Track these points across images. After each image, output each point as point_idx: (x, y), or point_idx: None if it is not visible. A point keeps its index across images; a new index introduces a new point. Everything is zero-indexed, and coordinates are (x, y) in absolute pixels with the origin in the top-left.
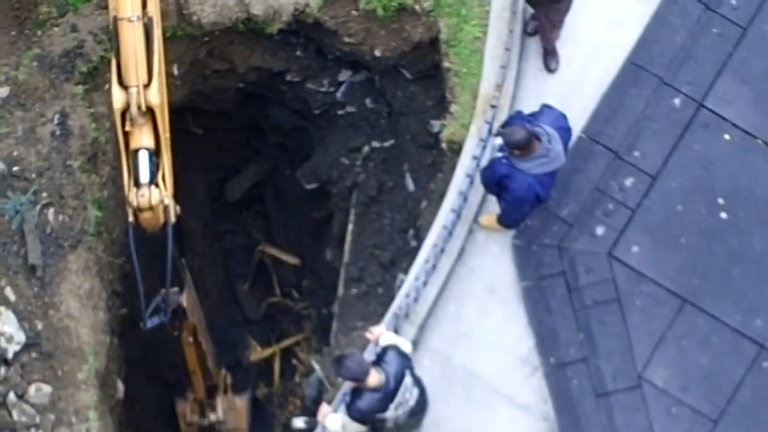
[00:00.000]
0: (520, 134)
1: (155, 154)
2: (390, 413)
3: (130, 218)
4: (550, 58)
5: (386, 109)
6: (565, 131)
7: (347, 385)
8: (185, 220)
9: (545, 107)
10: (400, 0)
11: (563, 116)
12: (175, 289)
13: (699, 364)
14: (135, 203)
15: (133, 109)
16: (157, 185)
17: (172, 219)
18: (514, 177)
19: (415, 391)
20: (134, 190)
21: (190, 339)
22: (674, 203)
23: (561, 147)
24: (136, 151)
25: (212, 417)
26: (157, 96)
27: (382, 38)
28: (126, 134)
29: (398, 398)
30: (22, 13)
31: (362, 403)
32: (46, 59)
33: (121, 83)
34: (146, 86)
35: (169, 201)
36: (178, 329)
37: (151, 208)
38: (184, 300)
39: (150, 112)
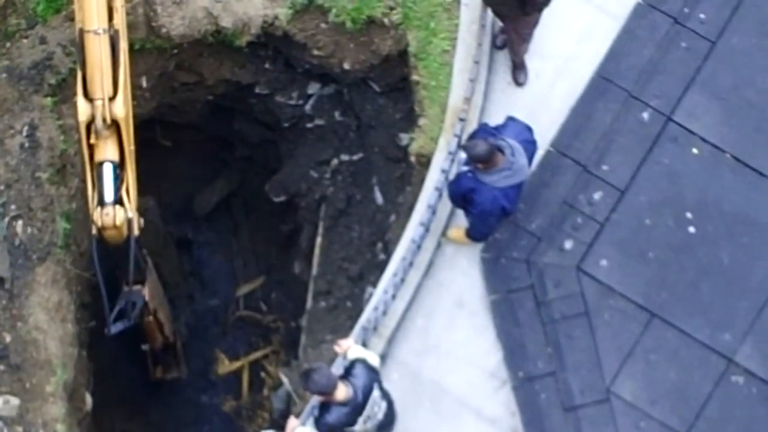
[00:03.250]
0: (482, 148)
1: (120, 167)
2: (358, 427)
3: (94, 231)
4: (518, 71)
5: (355, 122)
6: (529, 144)
7: (315, 399)
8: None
9: (510, 120)
10: (368, 13)
11: (528, 129)
12: (138, 287)
13: (667, 378)
14: (99, 222)
15: (98, 122)
16: (122, 204)
17: (135, 232)
18: (479, 190)
19: (384, 405)
20: (98, 209)
21: (150, 318)
22: (643, 217)
23: (525, 160)
24: (101, 163)
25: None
26: (122, 109)
27: (351, 51)
28: (91, 147)
29: (366, 412)
30: None
31: (330, 416)
32: (14, 71)
33: (87, 95)
34: (112, 99)
35: (132, 214)
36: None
37: (115, 227)
38: (146, 294)
39: (115, 125)
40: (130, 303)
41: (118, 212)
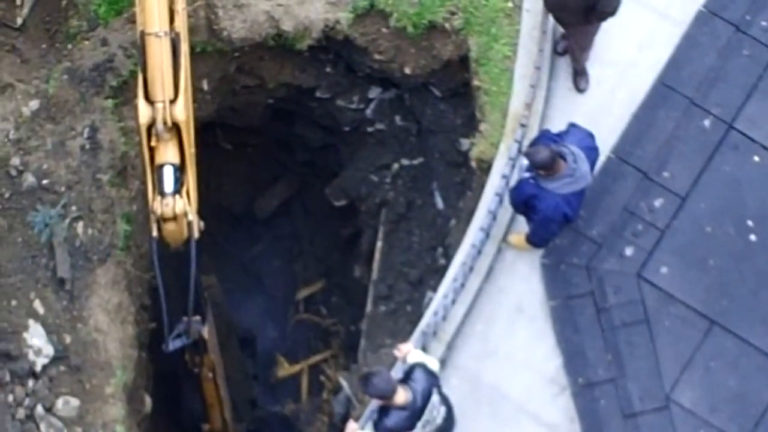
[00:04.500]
0: (544, 154)
1: (180, 170)
2: (417, 431)
3: (154, 232)
4: (579, 78)
5: (415, 127)
6: (591, 150)
7: (375, 403)
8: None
9: (572, 126)
10: (430, 18)
11: (590, 135)
12: (197, 317)
13: (727, 386)
14: (159, 212)
15: (159, 125)
16: (181, 195)
17: (196, 234)
18: (541, 197)
19: (443, 410)
20: (158, 199)
21: (210, 374)
22: (703, 224)
23: (587, 167)
24: (161, 166)
25: None
26: (183, 112)
27: (411, 56)
28: (151, 149)
29: (425, 416)
30: (52, 27)
31: (389, 421)
32: (76, 73)
33: (148, 98)
34: (172, 102)
35: (192, 216)
36: (198, 365)
37: (174, 218)
38: (205, 332)
39: (175, 128)
40: (187, 326)
41: (177, 202)
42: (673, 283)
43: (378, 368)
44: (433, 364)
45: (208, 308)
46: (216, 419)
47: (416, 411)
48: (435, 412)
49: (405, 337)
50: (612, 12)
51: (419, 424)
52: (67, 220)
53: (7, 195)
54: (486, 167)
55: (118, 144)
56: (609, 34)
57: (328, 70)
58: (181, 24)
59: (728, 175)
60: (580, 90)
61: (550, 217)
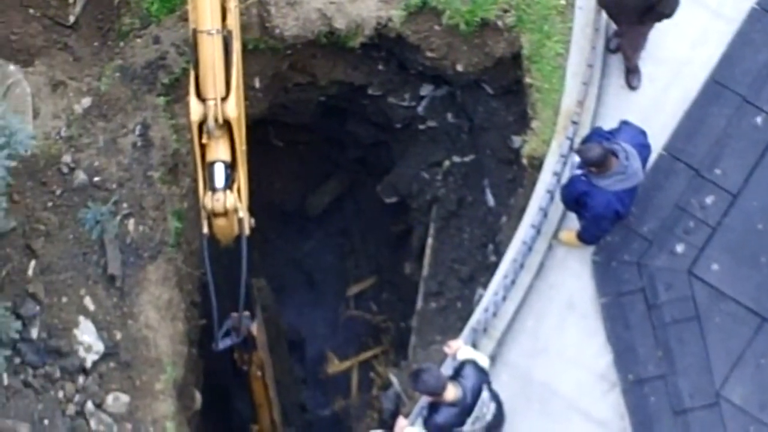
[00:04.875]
0: (596, 152)
1: (231, 167)
2: (467, 428)
3: (204, 229)
4: (632, 75)
5: (467, 124)
6: (643, 148)
7: (424, 399)
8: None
9: (624, 124)
10: (482, 15)
11: (642, 133)
12: (247, 313)
13: None
14: (210, 206)
15: (210, 122)
16: (231, 191)
17: (246, 231)
18: (593, 194)
19: (493, 406)
20: (209, 194)
21: (258, 373)
22: (755, 222)
23: (639, 164)
24: (212, 163)
25: None
26: (234, 109)
27: (464, 53)
28: (203, 146)
29: (475, 413)
30: (105, 24)
31: (439, 417)
32: (128, 70)
33: (199, 95)
34: (224, 99)
35: (243, 213)
36: (247, 363)
37: (225, 213)
38: (254, 329)
39: (227, 125)
40: (237, 322)
41: (228, 197)
42: (724, 280)
43: (428, 365)
44: (483, 361)
45: (258, 307)
46: (264, 420)
47: (466, 408)
48: (485, 408)
49: (455, 333)
50: (669, 14)
51: (469, 421)
52: (118, 217)
53: (58, 192)
54: (537, 164)
55: (170, 141)
56: (662, 32)
57: (380, 67)
58: (234, 22)
59: None
60: (632, 87)
61: (602, 214)
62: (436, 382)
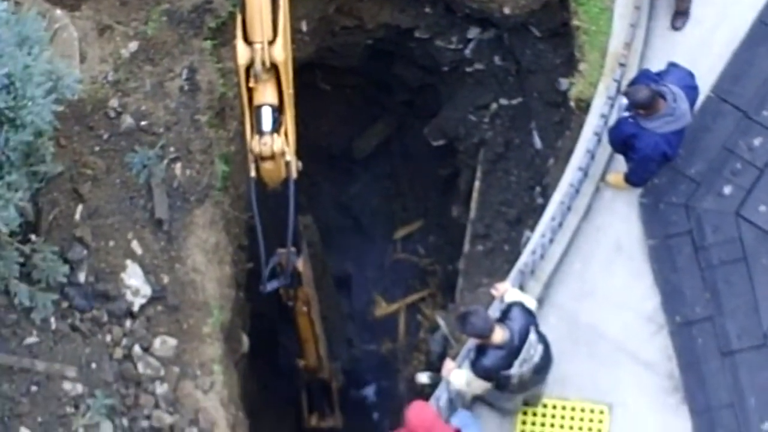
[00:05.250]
0: (644, 93)
1: (278, 111)
2: (514, 370)
3: (252, 173)
4: (679, 17)
5: (515, 67)
6: (691, 90)
7: (472, 342)
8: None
9: (671, 66)
10: None
11: (690, 75)
12: (293, 249)
13: None
14: (257, 150)
15: (258, 66)
16: (279, 135)
17: (294, 175)
18: (641, 136)
19: (540, 348)
20: (256, 138)
21: (304, 309)
22: None
23: (687, 106)
24: (260, 107)
25: (330, 422)
26: (281, 53)
27: None
28: (250, 90)
29: (523, 355)
30: None
31: (487, 360)
32: (175, 14)
33: (246, 39)
34: (271, 42)
35: (291, 157)
36: (293, 298)
37: (273, 157)
38: (300, 264)
39: (274, 69)
40: (287, 256)
41: (275, 140)
42: None
43: (475, 307)
44: (531, 303)
45: (304, 243)
46: (311, 355)
47: (513, 350)
48: (532, 350)
49: (502, 276)
50: None
51: (516, 363)
52: (165, 161)
53: (105, 137)
54: (585, 107)
55: (217, 85)
56: None
57: (427, 10)
58: None
59: None
60: (675, 28)
61: (650, 156)
62: (484, 324)
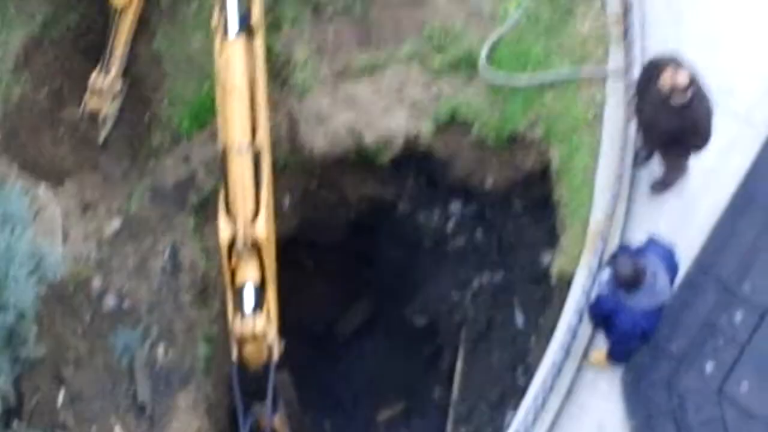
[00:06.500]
0: (629, 268)
1: (261, 288)
2: None
3: (234, 355)
4: (659, 185)
5: (496, 242)
6: (671, 266)
7: None
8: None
9: (651, 242)
10: (511, 128)
11: (670, 251)
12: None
13: None
14: (239, 331)
15: (239, 243)
16: (261, 311)
17: (275, 357)
18: (619, 313)
19: None
20: (238, 317)
21: None
22: None
23: (667, 282)
24: (242, 287)
25: None
26: (263, 229)
27: (493, 166)
28: (232, 271)
29: None
30: (135, 142)
31: None
32: (158, 190)
33: (229, 212)
34: (254, 218)
35: (272, 338)
36: None
37: (255, 337)
38: (276, 421)
39: (256, 246)
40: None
41: (257, 321)
42: (752, 399)
43: None
44: None
45: (280, 401)
46: None
47: None
48: None
49: None
50: (700, 146)
51: None
52: (148, 343)
53: (88, 318)
54: (567, 281)
55: (199, 264)
56: None
57: (409, 183)
58: (264, 138)
59: None
60: (652, 189)
61: (629, 332)
62: None
